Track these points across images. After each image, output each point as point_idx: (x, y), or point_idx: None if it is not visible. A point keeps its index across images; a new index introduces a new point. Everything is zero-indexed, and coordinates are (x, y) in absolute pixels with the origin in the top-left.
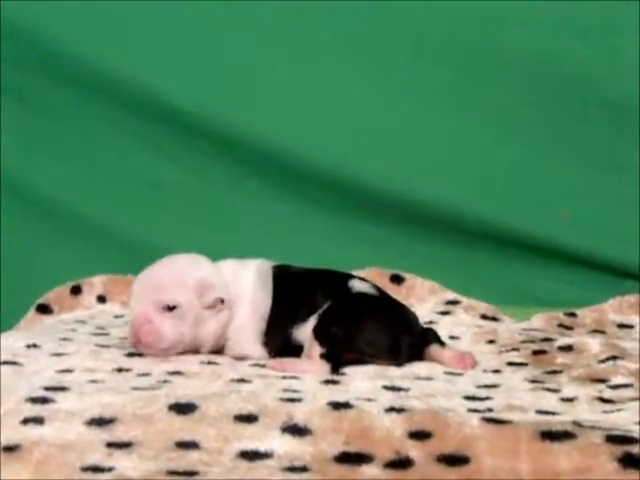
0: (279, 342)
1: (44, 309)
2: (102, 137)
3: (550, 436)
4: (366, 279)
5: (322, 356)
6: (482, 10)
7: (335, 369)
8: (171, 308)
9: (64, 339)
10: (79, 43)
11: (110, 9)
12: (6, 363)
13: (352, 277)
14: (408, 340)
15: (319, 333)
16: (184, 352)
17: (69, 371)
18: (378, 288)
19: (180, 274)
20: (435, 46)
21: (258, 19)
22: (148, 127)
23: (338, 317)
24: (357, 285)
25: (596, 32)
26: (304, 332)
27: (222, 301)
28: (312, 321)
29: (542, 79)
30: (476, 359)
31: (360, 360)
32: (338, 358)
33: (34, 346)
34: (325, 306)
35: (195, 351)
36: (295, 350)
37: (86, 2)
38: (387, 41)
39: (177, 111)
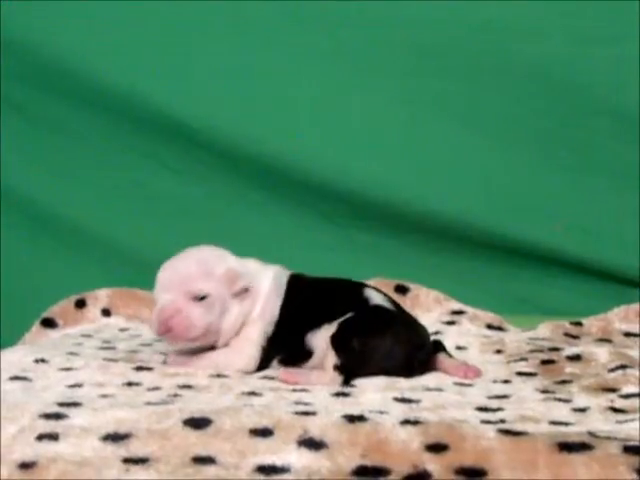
0: (289, 347)
1: (49, 323)
2: (105, 151)
3: (568, 447)
4: (379, 289)
5: (336, 367)
6: (484, 20)
7: (347, 381)
8: (201, 298)
9: (71, 353)
10: (82, 58)
11: (113, 24)
12: (16, 378)
13: (366, 286)
14: (421, 357)
15: (337, 343)
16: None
17: (79, 386)
18: (392, 301)
19: (208, 264)
20: (438, 56)
21: (259, 34)
22: (151, 141)
23: (358, 329)
24: (374, 296)
25: (598, 41)
26: (317, 338)
27: (246, 290)
28: (326, 328)
29: (545, 88)
30: (481, 370)
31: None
32: (352, 371)
33: (42, 361)
34: (345, 316)
35: (212, 347)
36: (304, 356)
37: (89, 17)
38: (390, 52)
39: (180, 125)
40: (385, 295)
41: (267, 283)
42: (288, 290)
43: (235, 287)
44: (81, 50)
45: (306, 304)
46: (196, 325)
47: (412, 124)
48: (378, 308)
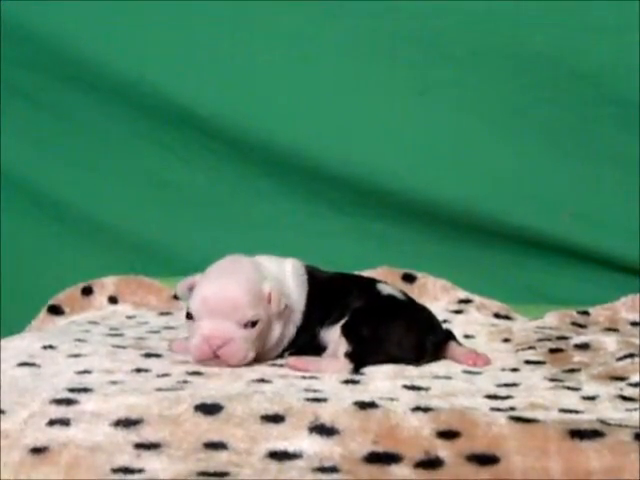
0: (302, 341)
1: (55, 310)
2: (113, 139)
3: (579, 435)
4: (392, 285)
5: (347, 354)
6: (491, 8)
7: (357, 369)
8: (254, 323)
9: (79, 340)
10: (90, 44)
11: (120, 10)
12: (25, 364)
13: (379, 282)
14: (433, 339)
15: (348, 331)
16: None
17: (88, 372)
18: (405, 294)
19: (254, 285)
20: (444, 45)
21: (269, 22)
22: (159, 128)
23: (369, 318)
24: (386, 288)
25: (604, 30)
26: (332, 333)
27: (286, 306)
28: (340, 323)
29: (551, 77)
30: (490, 358)
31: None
32: (363, 358)
33: (50, 347)
34: (356, 306)
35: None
36: (318, 350)
37: (95, 3)
38: (398, 40)
39: (188, 112)
40: (397, 289)
41: (289, 280)
42: (307, 284)
43: (280, 307)
44: (91, 37)
45: (321, 300)
46: (248, 355)
47: (420, 113)
48: (389, 298)
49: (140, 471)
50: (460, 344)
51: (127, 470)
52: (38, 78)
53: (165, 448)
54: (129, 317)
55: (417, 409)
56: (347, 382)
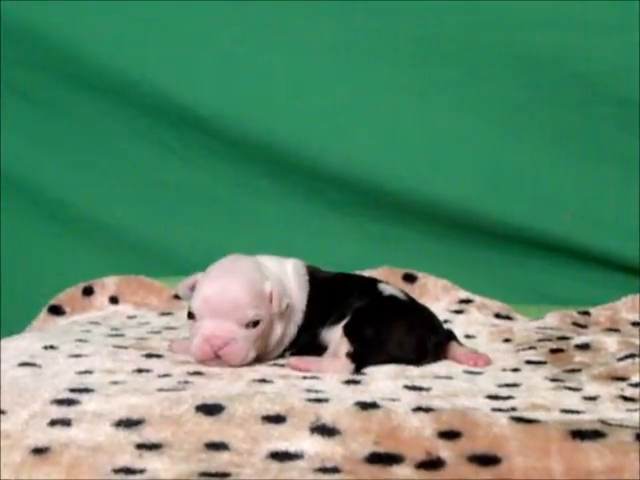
0: (303, 341)
1: (56, 310)
2: (113, 138)
3: (580, 435)
4: (394, 285)
5: (349, 355)
6: (490, 8)
7: (358, 369)
8: (255, 323)
9: (80, 340)
10: (90, 43)
11: (119, 9)
12: (25, 364)
13: (380, 282)
14: (434, 340)
15: (350, 332)
16: None
17: (89, 372)
18: (406, 294)
19: (256, 284)
20: (444, 45)
21: (269, 21)
22: (158, 127)
23: (370, 318)
24: (387, 288)
25: (605, 30)
26: (333, 333)
27: (288, 306)
28: (342, 324)
29: (551, 77)
30: (491, 358)
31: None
32: (364, 359)
33: (51, 347)
34: (358, 305)
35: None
36: (319, 350)
37: (98, 2)
38: (398, 40)
39: (188, 112)
40: (398, 289)
41: (291, 280)
42: (309, 284)
43: (282, 307)
44: (92, 36)
45: (322, 300)
46: (249, 355)
47: (420, 113)
48: (391, 298)
49: (141, 471)
50: (461, 344)
51: (128, 470)
52: (38, 77)
53: (166, 448)
54: (130, 317)
55: (418, 409)
56: (348, 382)
